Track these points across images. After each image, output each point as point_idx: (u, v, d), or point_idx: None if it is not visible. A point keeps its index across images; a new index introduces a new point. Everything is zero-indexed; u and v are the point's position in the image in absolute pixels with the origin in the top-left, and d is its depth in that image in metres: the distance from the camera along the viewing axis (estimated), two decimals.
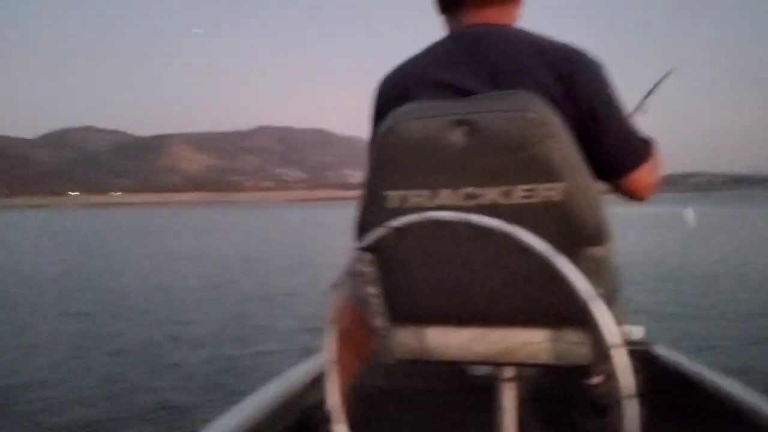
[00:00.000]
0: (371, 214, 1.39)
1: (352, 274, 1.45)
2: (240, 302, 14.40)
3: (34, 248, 33.12)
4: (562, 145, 1.25)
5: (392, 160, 1.33)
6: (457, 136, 1.27)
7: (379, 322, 1.45)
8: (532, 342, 1.34)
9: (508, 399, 1.48)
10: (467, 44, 1.52)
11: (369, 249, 1.37)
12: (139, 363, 9.16)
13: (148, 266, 22.44)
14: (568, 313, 1.29)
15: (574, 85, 1.45)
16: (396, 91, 1.55)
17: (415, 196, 1.32)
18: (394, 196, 1.34)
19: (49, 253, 29.96)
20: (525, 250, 1.20)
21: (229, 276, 19.23)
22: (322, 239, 34.10)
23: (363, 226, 1.42)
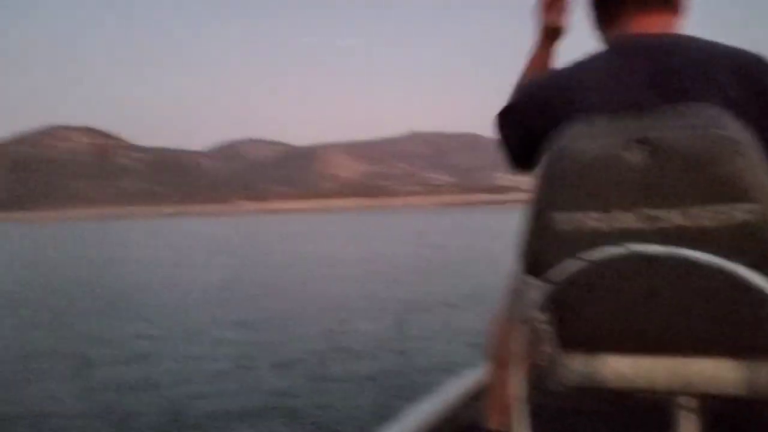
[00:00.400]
0: (539, 236, 1.34)
1: (518, 298, 1.40)
2: (401, 311, 14.18)
3: (204, 254, 35.16)
4: (754, 162, 1.17)
5: (563, 180, 1.28)
6: (636, 155, 1.21)
7: (546, 347, 1.40)
8: (720, 372, 1.27)
9: (687, 429, 1.42)
10: (636, 55, 1.43)
11: (550, 279, 1.32)
12: (303, 376, 9.09)
13: (309, 273, 22.97)
14: (764, 343, 1.23)
15: (763, 94, 1.34)
16: (557, 104, 1.45)
17: (587, 219, 1.27)
18: (563, 218, 1.29)
19: (217, 259, 31.64)
20: (727, 279, 1.14)
21: (388, 283, 19.21)
22: (477, 245, 33.41)
23: (530, 248, 1.37)
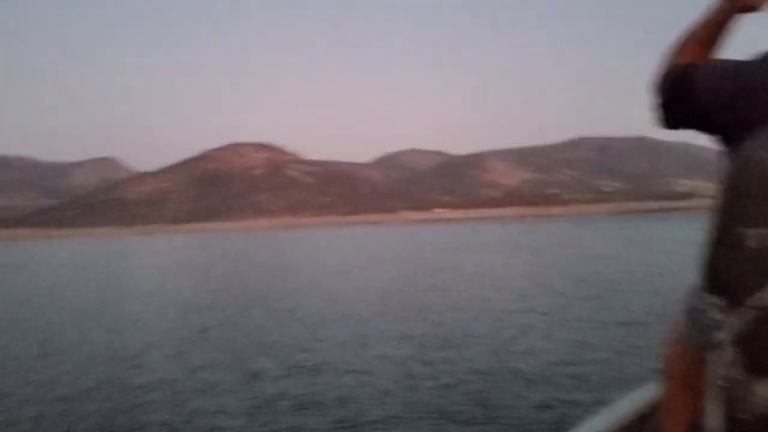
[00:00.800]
0: (724, 252, 1.24)
1: (700, 318, 1.31)
2: (576, 330, 13.14)
3: (370, 264, 35.59)
4: None
5: (753, 193, 1.20)
6: None
7: (735, 372, 1.30)
8: None
9: None
10: None
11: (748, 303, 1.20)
12: (471, 399, 8.49)
13: (473, 284, 22.30)
14: None
15: None
16: (742, 104, 1.31)
17: None
18: (752, 234, 1.19)
19: (381, 268, 31.81)
20: None
21: (559, 297, 18.07)
22: (653, 256, 31.00)
23: (713, 265, 1.27)
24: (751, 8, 1.46)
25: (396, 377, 9.83)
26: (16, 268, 44.97)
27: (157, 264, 46.35)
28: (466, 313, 15.95)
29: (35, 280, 34.51)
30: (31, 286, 30.67)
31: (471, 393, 8.79)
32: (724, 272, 1.24)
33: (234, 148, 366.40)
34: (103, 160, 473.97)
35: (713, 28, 1.50)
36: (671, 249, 34.11)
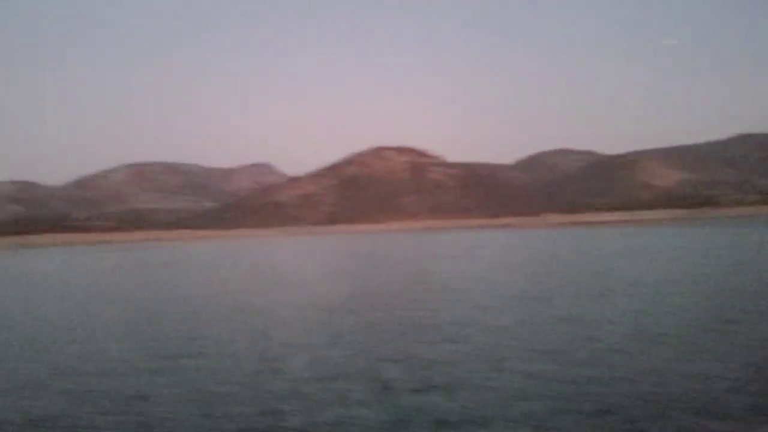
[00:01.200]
0: None
1: None
2: (756, 349, 11.50)
3: (513, 267, 34.31)
4: None
5: None
6: None
7: None
8: None
9: None
10: None
11: None
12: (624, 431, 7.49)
13: (626, 292, 20.51)
14: None
15: None
16: None
17: None
18: None
19: (524, 273, 30.47)
20: None
21: (729, 309, 15.98)
22: None
23: None
24: None
25: (545, 399, 8.94)
26: (179, 267, 47.98)
27: (303, 263, 47.68)
28: (619, 326, 14.59)
29: (191, 279, 36.48)
30: (188, 284, 32.38)
31: (627, 422, 7.76)
32: None
33: (377, 152, 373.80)
34: (259, 165, 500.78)
35: None
36: None
